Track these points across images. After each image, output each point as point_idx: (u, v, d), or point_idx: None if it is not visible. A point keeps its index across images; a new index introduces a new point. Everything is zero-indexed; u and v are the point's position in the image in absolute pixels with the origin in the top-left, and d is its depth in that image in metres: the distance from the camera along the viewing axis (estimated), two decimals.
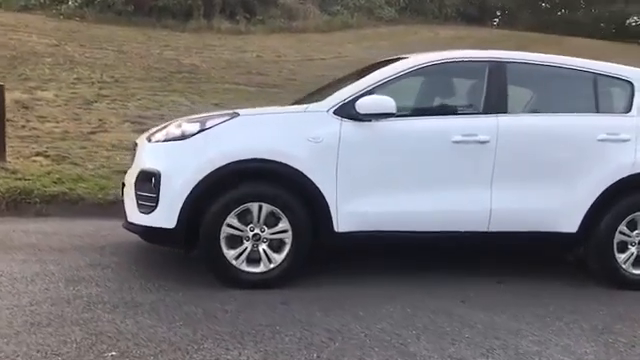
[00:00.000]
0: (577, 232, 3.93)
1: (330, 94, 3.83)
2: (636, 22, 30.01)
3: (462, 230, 3.82)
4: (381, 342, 2.92)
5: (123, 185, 4.00)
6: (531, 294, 3.83)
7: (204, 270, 3.71)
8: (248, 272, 3.59)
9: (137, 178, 3.68)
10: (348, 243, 3.75)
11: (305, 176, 3.58)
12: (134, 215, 3.71)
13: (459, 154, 3.79)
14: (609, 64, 4.30)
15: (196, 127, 3.62)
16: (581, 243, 3.99)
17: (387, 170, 3.73)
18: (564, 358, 2.87)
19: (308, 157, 3.58)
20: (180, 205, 3.51)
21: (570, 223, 3.93)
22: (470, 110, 3.97)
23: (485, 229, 3.84)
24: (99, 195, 5.62)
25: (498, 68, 3.98)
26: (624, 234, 3.99)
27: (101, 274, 3.75)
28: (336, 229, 3.66)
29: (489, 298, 3.69)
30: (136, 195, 3.68)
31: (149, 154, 3.74)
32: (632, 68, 4.30)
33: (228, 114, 3.68)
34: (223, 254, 3.55)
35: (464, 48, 20.11)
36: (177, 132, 3.65)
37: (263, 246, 3.59)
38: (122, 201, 3.97)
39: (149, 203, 3.60)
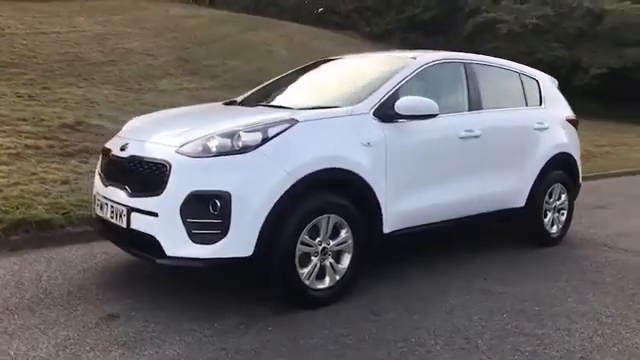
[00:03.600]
0: (524, 206, 4.76)
1: (364, 95, 3.74)
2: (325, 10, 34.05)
3: (470, 214, 4.26)
4: (469, 315, 3.21)
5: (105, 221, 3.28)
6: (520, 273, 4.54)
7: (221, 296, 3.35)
8: (317, 289, 3.37)
9: (186, 203, 3.04)
10: (389, 243, 3.81)
11: (365, 182, 3.50)
12: (183, 247, 3.06)
13: (464, 148, 4.19)
14: (521, 65, 5.20)
15: (258, 137, 3.16)
16: (525, 215, 4.83)
17: (418, 168, 3.88)
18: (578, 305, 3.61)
19: (365, 162, 3.50)
20: (258, 228, 3.07)
21: (522, 199, 4.74)
22: (463, 107, 4.34)
23: (480, 212, 4.36)
24: None
25: (473, 68, 4.46)
26: (547, 203, 4.99)
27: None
28: (384, 231, 3.69)
29: (500, 275, 4.24)
30: (187, 223, 3.04)
31: (202, 172, 3.09)
32: (533, 69, 5.30)
33: (285, 120, 3.30)
34: (298, 275, 3.26)
35: (195, 26, 20.36)
36: (236, 144, 3.12)
37: (330, 259, 3.41)
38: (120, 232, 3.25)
39: (212, 231, 3.04)
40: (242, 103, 4.55)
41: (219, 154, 3.11)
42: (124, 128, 3.99)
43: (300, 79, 4.74)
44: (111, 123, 8.32)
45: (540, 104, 5.11)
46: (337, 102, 3.79)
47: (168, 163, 3.13)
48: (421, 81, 4.04)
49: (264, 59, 19.47)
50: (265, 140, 3.16)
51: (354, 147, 3.49)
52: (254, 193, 3.07)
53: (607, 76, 20.19)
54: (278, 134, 3.21)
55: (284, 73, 5.15)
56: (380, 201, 3.60)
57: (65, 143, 6.85)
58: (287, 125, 3.26)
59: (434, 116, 3.75)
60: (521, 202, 4.74)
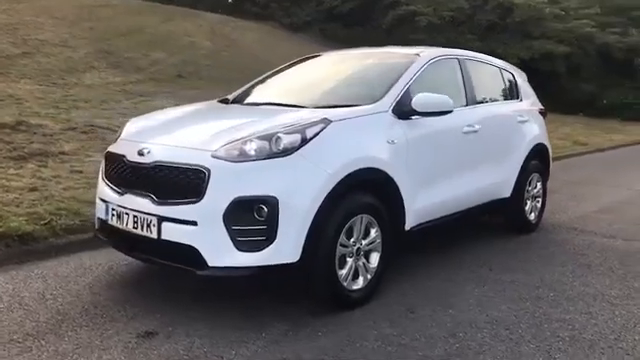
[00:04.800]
0: (510, 196, 4.98)
1: (379, 93, 3.72)
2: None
3: (472, 206, 4.39)
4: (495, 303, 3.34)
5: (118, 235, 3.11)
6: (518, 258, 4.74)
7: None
8: (353, 290, 3.35)
9: (230, 209, 2.89)
10: (408, 240, 3.84)
11: (393, 180, 3.51)
12: (228, 256, 2.92)
13: (466, 143, 4.30)
14: (498, 59, 5.40)
15: (297, 138, 3.06)
16: (511, 204, 5.05)
17: (431, 164, 3.93)
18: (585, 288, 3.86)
19: (392, 160, 3.51)
20: (305, 233, 2.99)
21: (508, 189, 4.95)
22: (462, 103, 4.43)
23: (479, 203, 4.51)
24: None
25: (465, 64, 4.58)
26: (527, 192, 5.25)
27: None
28: (406, 228, 3.73)
29: (501, 264, 4.41)
30: (231, 231, 2.90)
31: (245, 177, 2.95)
32: (507, 63, 5.52)
33: (320, 121, 3.22)
34: (338, 277, 3.22)
35: (110, 15, 19.50)
36: (276, 146, 3.01)
37: (362, 259, 3.40)
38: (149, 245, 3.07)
39: (258, 237, 2.92)
40: (239, 102, 4.39)
41: (260, 158, 2.99)
42: (127, 131, 3.72)
43: (298, 76, 4.65)
44: (54, 122, 7.77)
45: (518, 98, 5.34)
46: (351, 100, 3.74)
47: (206, 169, 2.96)
48: (426, 77, 4.08)
49: (188, 51, 18.86)
50: (304, 141, 3.08)
51: (382, 146, 3.48)
52: (300, 197, 2.99)
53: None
54: (315, 135, 3.13)
55: (271, 70, 5.00)
56: (404, 199, 3.63)
57: (13, 146, 6.29)
58: (322, 125, 3.19)
59: (449, 112, 3.82)
60: (508, 192, 4.95)
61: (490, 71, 5.08)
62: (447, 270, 4.15)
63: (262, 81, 4.80)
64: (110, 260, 4.12)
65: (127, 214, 3.21)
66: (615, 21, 24.63)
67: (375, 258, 3.48)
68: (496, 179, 4.76)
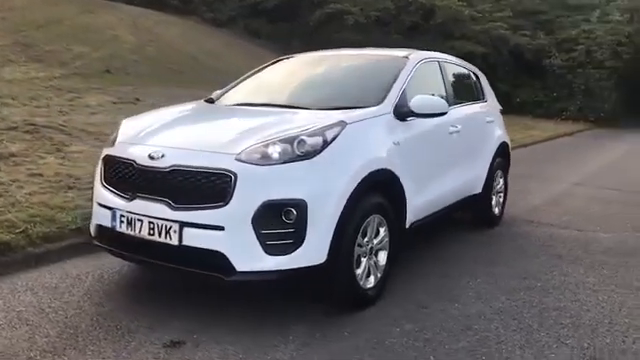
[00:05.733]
0: (481, 192, 5.24)
1: (379, 95, 3.79)
2: None
3: (453, 202, 4.60)
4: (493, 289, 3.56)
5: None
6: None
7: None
8: (368, 288, 3.42)
9: (258, 213, 2.86)
10: (406, 237, 3.96)
11: (399, 180, 3.61)
12: (257, 261, 2.89)
13: (451, 142, 4.49)
14: (463, 61, 5.64)
15: (319, 141, 3.08)
16: (481, 199, 5.31)
17: (424, 163, 4.06)
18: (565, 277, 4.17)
19: (397, 161, 3.60)
20: (331, 234, 3.02)
21: (480, 185, 5.21)
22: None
23: (458, 199, 4.72)
24: None
25: (444, 66, 4.77)
26: (493, 187, 5.54)
27: None
28: (406, 226, 3.84)
29: (480, 257, 4.63)
30: (260, 235, 2.87)
31: (273, 180, 2.92)
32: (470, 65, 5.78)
33: (337, 123, 3.24)
34: (355, 277, 3.28)
35: (24, 5, 18.46)
36: (299, 149, 3.00)
37: (374, 258, 3.48)
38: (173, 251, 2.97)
39: (286, 241, 2.91)
40: (230, 103, 4.30)
41: (285, 161, 2.98)
42: (125, 133, 3.54)
43: (285, 77, 4.62)
44: None
45: (484, 98, 5.61)
46: (352, 102, 3.79)
47: (232, 172, 2.91)
48: (415, 80, 4.21)
49: (111, 45, 18.07)
50: (325, 144, 3.10)
51: (389, 147, 3.56)
52: (326, 199, 3.01)
53: None
54: (335, 137, 3.16)
55: (252, 70, 4.93)
56: (406, 198, 3.74)
57: None
58: (340, 128, 3.22)
59: (444, 114, 3.97)
60: (480, 189, 5.20)
61: (461, 73, 5.30)
62: (440, 266, 4.31)
63: (244, 82, 4.72)
64: (97, 268, 3.94)
65: (140, 220, 3.09)
66: (524, 24, 26.27)
67: (383, 257, 3.56)
68: (472, 176, 5.00)
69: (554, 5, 27.27)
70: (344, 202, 3.07)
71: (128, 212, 3.16)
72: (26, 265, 3.90)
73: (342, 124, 3.26)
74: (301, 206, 2.91)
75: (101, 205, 3.37)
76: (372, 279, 3.47)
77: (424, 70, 4.39)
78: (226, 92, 4.59)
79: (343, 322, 3.21)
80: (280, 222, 2.91)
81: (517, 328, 3.25)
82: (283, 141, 3.04)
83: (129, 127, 3.63)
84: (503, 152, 5.68)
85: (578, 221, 6.06)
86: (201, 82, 16.22)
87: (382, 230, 3.52)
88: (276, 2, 25.57)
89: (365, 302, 3.41)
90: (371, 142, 3.44)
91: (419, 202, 3.96)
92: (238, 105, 4.18)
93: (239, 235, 2.88)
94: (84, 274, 3.84)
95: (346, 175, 3.12)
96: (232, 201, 2.89)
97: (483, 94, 5.63)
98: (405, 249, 4.47)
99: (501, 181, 5.74)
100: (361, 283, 3.34)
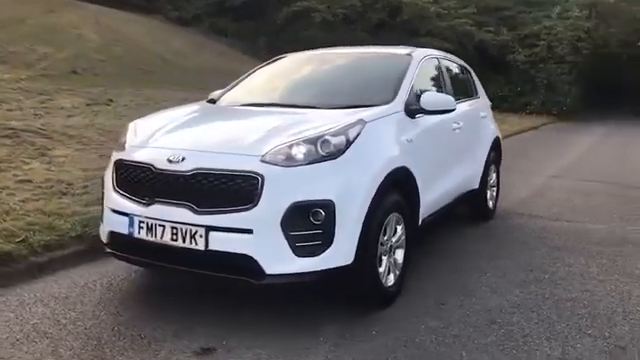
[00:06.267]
0: (478, 187, 5.31)
1: (389, 93, 3.79)
2: None
3: (456, 197, 4.65)
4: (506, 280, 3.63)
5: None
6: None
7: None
8: (389, 286, 3.42)
9: (287, 215, 2.83)
10: (418, 234, 3.98)
11: (414, 178, 3.62)
12: (287, 263, 2.86)
13: (454, 138, 4.54)
14: (457, 57, 5.70)
15: (343, 140, 3.06)
16: (478, 194, 5.38)
17: (433, 160, 4.09)
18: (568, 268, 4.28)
19: (411, 158, 3.60)
20: (358, 234, 3.01)
21: (477, 180, 5.27)
22: None
23: (459, 194, 4.78)
24: None
25: (443, 63, 4.81)
26: (487, 182, 5.62)
27: None
28: (419, 223, 3.86)
29: (482, 251, 4.70)
30: (289, 237, 2.84)
31: (300, 181, 2.89)
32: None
33: (357, 122, 3.22)
34: (379, 275, 3.28)
35: None
36: (323, 149, 2.97)
37: (393, 256, 3.48)
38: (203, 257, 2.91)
39: (315, 242, 2.89)
40: (234, 103, 4.23)
41: (310, 161, 2.95)
42: (136, 136, 3.45)
43: (287, 77, 4.56)
44: None
45: (477, 94, 5.69)
46: (362, 100, 3.77)
47: (259, 174, 2.86)
48: (419, 77, 4.23)
49: (76, 45, 17.54)
50: (349, 144, 3.09)
51: (404, 144, 3.57)
52: (353, 199, 3.00)
53: None
54: (357, 137, 3.15)
55: (249, 70, 4.85)
56: (420, 195, 3.75)
57: None
58: (361, 127, 3.21)
59: (453, 110, 4.00)
60: (477, 184, 5.27)
61: (456, 69, 5.36)
62: (446, 261, 4.35)
63: (245, 82, 4.64)
64: (103, 276, 3.84)
65: (162, 226, 3.01)
66: (488, 20, 26.73)
67: (401, 254, 3.57)
68: (471, 171, 5.06)
69: (516, 1, 27.83)
70: (369, 201, 3.07)
71: (147, 218, 3.08)
72: (29, 275, 3.76)
73: (362, 123, 3.25)
74: (329, 207, 2.89)
75: (115, 211, 3.28)
76: (392, 277, 3.47)
77: (426, 67, 4.42)
78: (227, 92, 4.51)
79: (369, 321, 3.21)
80: (308, 223, 2.88)
81: (538, 320, 3.30)
82: (307, 142, 3.01)
83: (138, 130, 3.53)
84: (496, 146, 5.78)
85: (566, 213, 6.21)
86: (172, 82, 15.97)
87: (399, 228, 3.52)
88: (243, 0, 25.29)
89: (387, 300, 3.41)
90: (388, 140, 3.44)
91: (429, 198, 3.99)
92: (245, 105, 4.11)
93: (268, 238, 2.85)
94: (92, 282, 3.73)
95: (369, 174, 3.11)
96: (260, 203, 2.84)
97: (476, 90, 5.70)
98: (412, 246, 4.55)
99: (494, 175, 5.83)
100: (383, 281, 3.34)
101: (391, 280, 3.45)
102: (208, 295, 3.53)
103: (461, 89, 5.23)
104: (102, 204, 3.56)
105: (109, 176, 3.40)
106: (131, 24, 23.30)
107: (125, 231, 3.18)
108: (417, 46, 4.89)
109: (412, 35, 23.38)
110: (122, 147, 3.45)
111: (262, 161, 2.92)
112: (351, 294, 3.34)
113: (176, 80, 16.61)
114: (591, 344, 3.02)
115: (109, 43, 19.38)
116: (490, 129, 5.61)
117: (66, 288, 3.62)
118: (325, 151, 2.99)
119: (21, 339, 2.91)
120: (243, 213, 2.86)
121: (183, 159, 3.03)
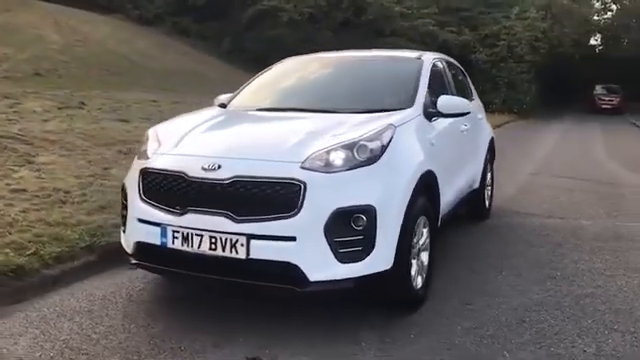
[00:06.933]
0: (478, 187, 5.41)
1: (407, 96, 3.83)
2: None
3: (461, 197, 4.71)
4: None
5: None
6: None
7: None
8: (419, 289, 3.45)
9: (330, 221, 2.81)
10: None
11: (437, 181, 3.66)
12: (330, 269, 2.84)
13: (463, 139, 4.61)
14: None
15: (378, 145, 3.07)
16: (478, 194, 5.48)
17: (449, 161, 4.14)
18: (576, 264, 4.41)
19: (434, 161, 3.64)
20: (396, 239, 3.02)
21: (478, 181, 5.37)
22: None
23: (464, 194, 4.86)
24: None
25: (447, 65, 4.88)
26: (484, 182, 5.74)
27: None
28: (438, 224, 3.91)
29: (491, 250, 4.78)
30: (332, 243, 2.83)
31: (342, 187, 2.87)
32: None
33: (388, 127, 3.23)
34: (411, 279, 3.30)
35: None
36: (361, 154, 2.97)
37: (420, 259, 3.51)
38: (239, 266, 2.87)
39: (359, 247, 2.89)
40: (250, 109, 4.16)
41: (349, 167, 2.95)
42: (160, 144, 3.36)
43: (301, 80, 4.53)
44: None
45: (472, 95, 5.78)
46: (382, 105, 3.79)
47: (301, 181, 2.84)
48: (431, 80, 4.27)
49: (37, 45, 16.96)
50: (384, 148, 3.10)
51: (428, 148, 3.61)
52: (392, 204, 3.02)
53: None
54: (390, 141, 3.16)
55: (257, 75, 4.78)
56: (441, 197, 3.80)
57: None
58: (392, 132, 3.23)
59: (467, 114, 4.06)
60: (477, 184, 5.37)
61: (456, 71, 5.44)
62: (460, 261, 4.41)
63: (256, 86, 4.58)
64: (119, 287, 3.73)
65: (200, 235, 2.94)
66: (450, 20, 27.21)
67: (426, 257, 3.59)
68: (474, 171, 5.16)
69: (476, 2, 28.42)
70: (406, 205, 3.09)
71: (181, 227, 3.00)
72: (43, 289, 3.62)
73: (392, 127, 3.27)
74: (370, 212, 2.89)
75: (143, 221, 3.19)
76: (419, 280, 3.50)
77: (435, 70, 4.46)
78: (236, 96, 4.45)
79: (404, 325, 3.23)
80: (350, 229, 2.88)
81: (564, 318, 3.39)
82: (345, 147, 3.01)
83: (161, 137, 3.45)
84: (492, 147, 5.89)
85: (556, 210, 6.40)
86: (140, 84, 15.65)
87: (425, 231, 3.55)
88: None
89: (416, 303, 3.44)
90: (416, 144, 3.47)
91: (446, 200, 4.04)
92: (264, 110, 4.06)
93: (311, 245, 2.83)
94: (110, 294, 3.62)
95: (405, 178, 3.13)
96: (303, 210, 2.82)
97: (471, 91, 5.80)
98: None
99: (489, 175, 5.95)
100: (414, 284, 3.37)
101: (419, 283, 3.48)
102: (235, 303, 3.47)
103: (461, 91, 5.30)
104: (122, 214, 3.47)
105: (133, 185, 3.30)
106: (92, 24, 22.68)
107: (157, 241, 3.09)
108: (384, 46, 4.95)
109: (377, 35, 23.61)
110: (145, 155, 3.36)
111: (302, 167, 2.90)
112: (384, 298, 3.35)
113: (143, 82, 16.28)
114: (620, 339, 3.12)
115: (71, 43, 18.82)
116: (487, 130, 5.73)
117: (85, 301, 3.50)
118: (362, 156, 3.00)
119: (55, 356, 2.80)
120: (285, 220, 2.83)
121: (219, 167, 2.97)
